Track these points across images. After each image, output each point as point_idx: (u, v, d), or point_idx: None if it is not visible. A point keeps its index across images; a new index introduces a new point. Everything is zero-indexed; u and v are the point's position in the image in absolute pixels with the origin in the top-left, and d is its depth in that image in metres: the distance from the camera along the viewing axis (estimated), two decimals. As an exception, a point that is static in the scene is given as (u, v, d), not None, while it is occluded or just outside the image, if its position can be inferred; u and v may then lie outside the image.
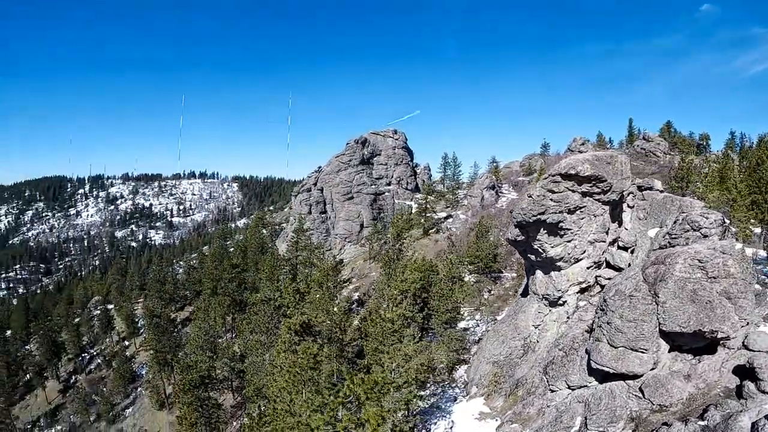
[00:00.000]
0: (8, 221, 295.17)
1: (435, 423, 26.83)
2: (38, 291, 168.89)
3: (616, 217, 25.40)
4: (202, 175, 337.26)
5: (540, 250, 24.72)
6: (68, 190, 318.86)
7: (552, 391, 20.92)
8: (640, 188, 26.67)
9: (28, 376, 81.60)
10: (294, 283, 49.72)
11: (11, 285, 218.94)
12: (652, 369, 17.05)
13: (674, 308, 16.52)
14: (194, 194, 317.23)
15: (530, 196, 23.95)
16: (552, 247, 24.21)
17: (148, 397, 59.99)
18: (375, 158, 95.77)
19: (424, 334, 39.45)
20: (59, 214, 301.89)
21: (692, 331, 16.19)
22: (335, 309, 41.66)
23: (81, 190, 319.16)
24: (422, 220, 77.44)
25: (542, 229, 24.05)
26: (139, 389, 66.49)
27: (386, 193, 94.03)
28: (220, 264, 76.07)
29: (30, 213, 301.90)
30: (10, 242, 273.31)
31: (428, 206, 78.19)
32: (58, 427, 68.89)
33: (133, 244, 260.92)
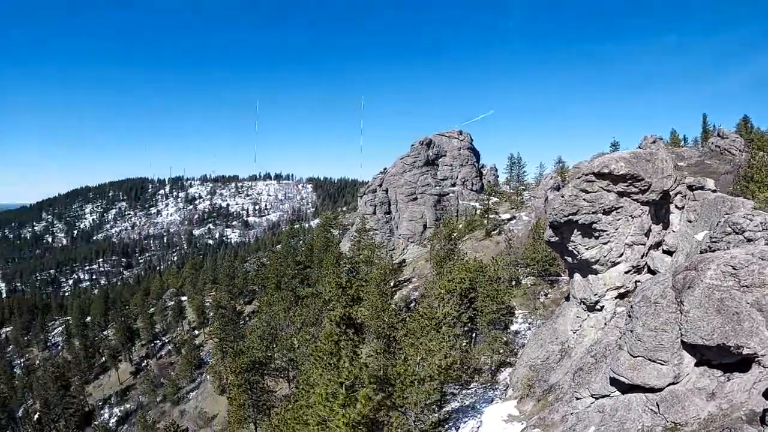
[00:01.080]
0: (93, 219, 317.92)
1: (465, 422, 26.77)
2: (119, 283, 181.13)
3: (661, 218, 24.05)
4: (278, 177, 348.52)
5: (575, 251, 23.89)
6: (149, 190, 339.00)
7: (577, 399, 20.17)
8: (690, 187, 25.08)
9: (103, 358, 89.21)
10: (336, 278, 50.85)
11: (94, 277, 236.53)
12: (674, 383, 15.99)
13: (697, 318, 15.33)
14: (269, 195, 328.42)
15: (562, 196, 23.25)
16: (586, 249, 23.32)
17: (211, 383, 63.19)
18: (440, 159, 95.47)
19: (469, 334, 39.20)
20: (141, 212, 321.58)
21: (715, 344, 14.87)
22: (383, 305, 42.19)
23: (162, 191, 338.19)
24: (484, 222, 76.44)
25: (576, 230, 23.23)
26: (203, 375, 70.40)
27: (450, 194, 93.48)
28: (284, 261, 78.64)
29: (113, 211, 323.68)
30: (95, 238, 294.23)
31: (491, 207, 76.99)
32: (127, 405, 74.74)
33: (210, 241, 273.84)
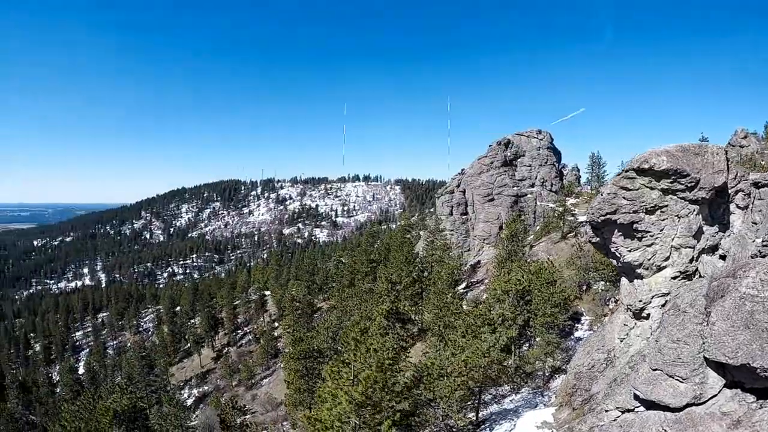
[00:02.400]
0: (189, 217, 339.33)
1: (500, 424, 25.91)
2: (210, 277, 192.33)
3: (718, 219, 21.84)
4: (366, 178, 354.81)
5: (617, 254, 22.29)
6: (242, 191, 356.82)
7: (605, 411, 18.85)
8: (756, 185, 22.56)
9: (188, 344, 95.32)
10: (387, 273, 51.58)
11: (187, 271, 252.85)
12: (694, 404, 14.38)
13: (722, 332, 13.56)
14: (358, 196, 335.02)
15: (602, 194, 21.79)
16: (628, 251, 21.68)
17: (283, 370, 66.03)
18: (518, 159, 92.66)
19: (523, 337, 38.04)
20: (233, 212, 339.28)
21: (739, 363, 13.21)
22: (443, 304, 42.19)
23: (254, 192, 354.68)
24: (561, 224, 73.39)
25: (616, 231, 21.66)
26: (278, 364, 73.34)
27: (528, 195, 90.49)
28: (359, 259, 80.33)
29: (207, 211, 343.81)
30: (189, 235, 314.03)
31: (567, 208, 73.75)
32: (205, 387, 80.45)
33: (299, 241, 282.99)
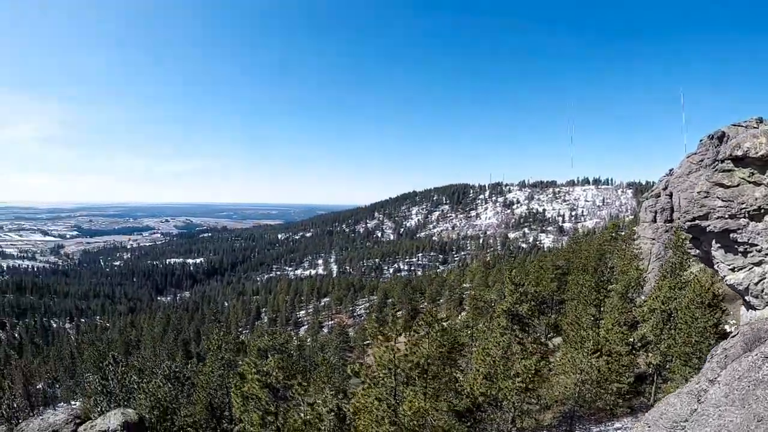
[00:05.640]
0: (418, 219, 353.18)
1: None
2: (432, 275, 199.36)
3: None
4: (596, 182, 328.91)
5: (719, 271, 16.91)
6: (470, 195, 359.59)
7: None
8: None
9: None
10: (514, 275, 47.84)
11: (412, 268, 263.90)
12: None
13: (712, 403, 9.68)
14: (587, 201, 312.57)
15: (692, 192, 16.72)
16: (730, 269, 16.38)
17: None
18: (744, 155, 76.51)
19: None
20: (461, 215, 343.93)
21: None
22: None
23: (481, 196, 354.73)
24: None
25: (713, 241, 16.46)
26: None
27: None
28: (544, 264, 75.66)
29: (436, 213, 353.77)
30: (418, 236, 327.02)
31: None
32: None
33: (524, 245, 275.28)
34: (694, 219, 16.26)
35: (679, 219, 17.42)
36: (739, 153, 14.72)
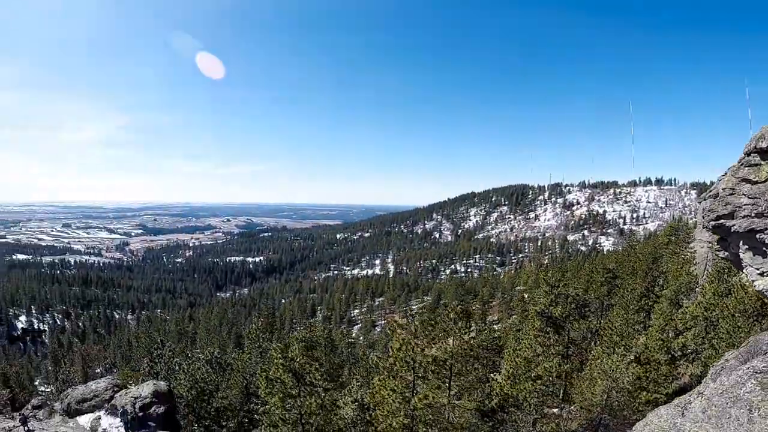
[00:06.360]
0: (476, 220, 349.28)
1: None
2: (488, 277, 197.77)
3: None
4: (659, 182, 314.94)
5: (747, 275, 16.33)
6: (529, 196, 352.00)
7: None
8: None
9: None
10: (546, 276, 47.17)
11: (469, 270, 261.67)
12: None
13: (692, 417, 9.46)
14: (649, 202, 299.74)
15: (716, 190, 16.21)
16: (759, 274, 15.76)
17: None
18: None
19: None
20: (520, 216, 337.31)
21: None
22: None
23: (541, 197, 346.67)
24: None
25: (740, 242, 15.89)
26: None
27: None
28: (595, 267, 73.97)
29: (495, 215, 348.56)
30: (475, 237, 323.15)
31: None
32: None
33: (583, 248, 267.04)
34: (718, 218, 15.70)
35: (703, 218, 16.85)
36: (764, 145, 14.22)
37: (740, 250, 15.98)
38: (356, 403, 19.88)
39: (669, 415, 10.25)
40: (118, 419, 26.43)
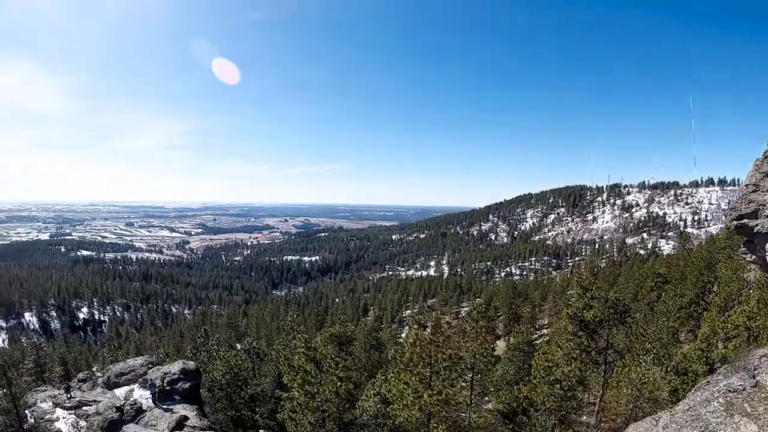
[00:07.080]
0: (533, 222, 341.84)
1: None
2: (545, 280, 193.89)
3: None
4: (721, 182, 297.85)
5: (774, 276, 15.86)
6: (587, 198, 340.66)
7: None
8: None
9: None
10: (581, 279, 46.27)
11: (524, 273, 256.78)
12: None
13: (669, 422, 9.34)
14: (711, 204, 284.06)
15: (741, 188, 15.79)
16: (785, 275, 15.18)
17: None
18: None
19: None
20: (577, 218, 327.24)
21: None
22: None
23: (599, 198, 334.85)
24: None
25: (766, 244, 15.37)
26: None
27: None
28: (644, 272, 71.97)
29: (552, 216, 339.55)
30: (532, 239, 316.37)
31: None
32: None
33: (641, 251, 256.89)
34: (740, 217, 15.18)
35: (725, 217, 16.33)
36: (785, 140, 13.84)
37: (767, 253, 15.39)
38: (378, 396, 20.47)
39: (645, 427, 10.13)
40: (148, 391, 29.99)
